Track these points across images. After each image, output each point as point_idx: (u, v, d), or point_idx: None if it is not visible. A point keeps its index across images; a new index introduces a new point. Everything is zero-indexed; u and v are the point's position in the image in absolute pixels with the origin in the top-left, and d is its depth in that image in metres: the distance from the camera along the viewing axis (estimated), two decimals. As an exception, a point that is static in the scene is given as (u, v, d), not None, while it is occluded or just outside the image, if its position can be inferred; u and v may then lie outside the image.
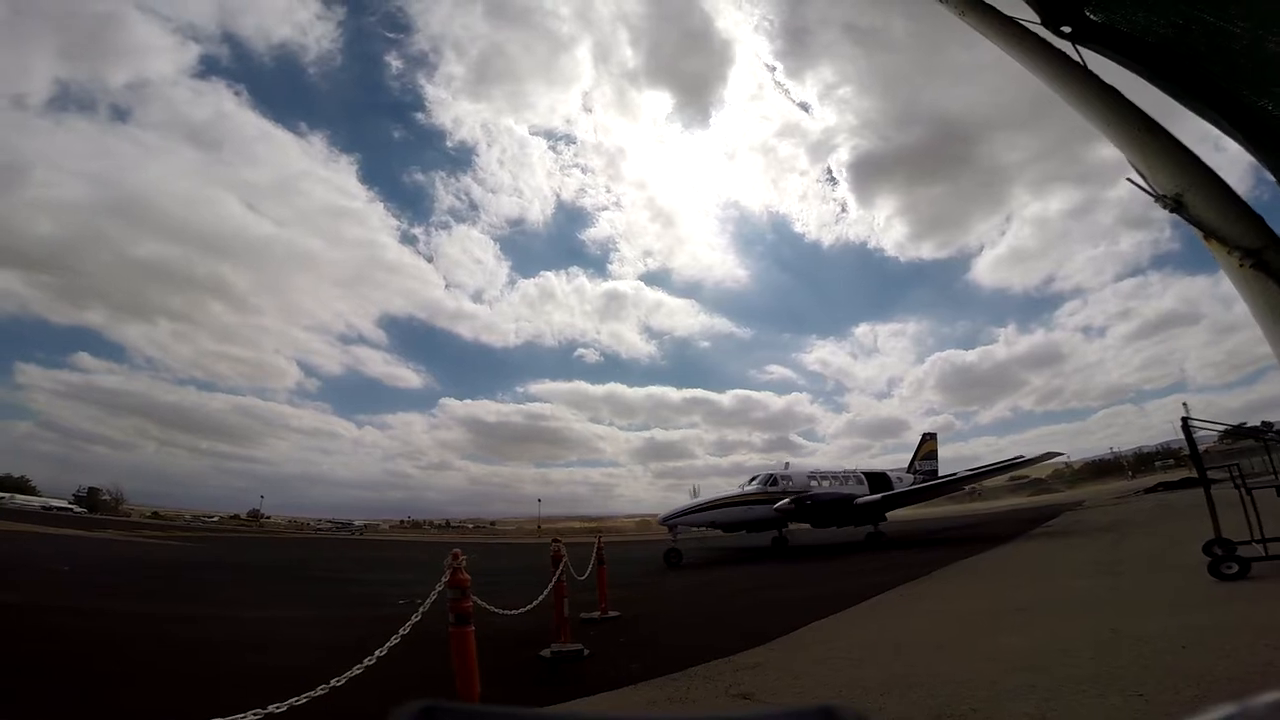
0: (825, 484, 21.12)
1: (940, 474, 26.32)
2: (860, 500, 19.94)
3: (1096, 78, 1.63)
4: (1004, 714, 3.19)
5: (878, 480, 22.69)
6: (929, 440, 28.42)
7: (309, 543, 38.58)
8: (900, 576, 9.78)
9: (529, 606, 5.07)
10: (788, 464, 23.70)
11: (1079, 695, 3.32)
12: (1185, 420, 7.34)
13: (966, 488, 30.10)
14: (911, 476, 25.19)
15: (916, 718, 3.26)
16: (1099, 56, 1.69)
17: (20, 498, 55.09)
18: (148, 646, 5.93)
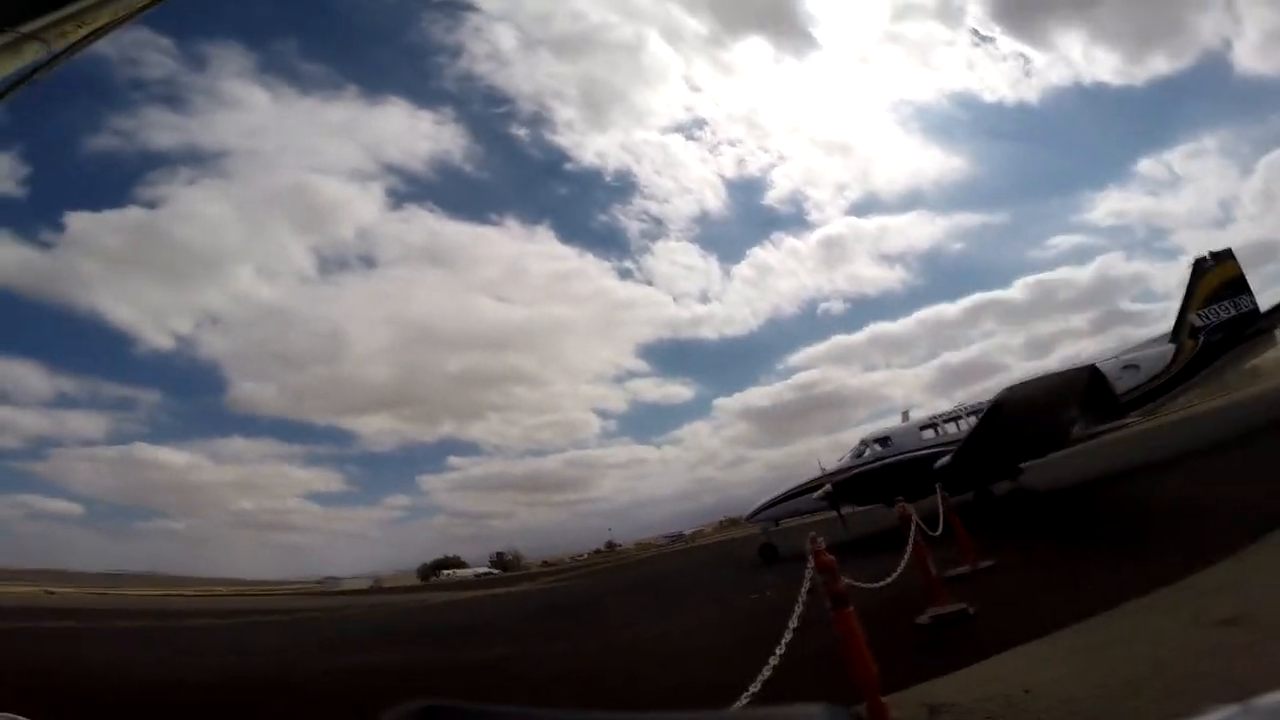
0: (952, 428, 15.39)
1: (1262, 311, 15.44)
2: (941, 464, 13.91)
3: None
4: None
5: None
6: (1214, 267, 15.98)
7: (656, 559, 43.45)
8: None
9: (892, 576, 4.72)
10: (906, 412, 18.34)
11: None
12: None
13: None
14: (1172, 347, 15.42)
15: None
16: None
17: (459, 572, 74.58)
18: (609, 676, 6.66)
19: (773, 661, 3.06)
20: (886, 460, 15.73)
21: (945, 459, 14.41)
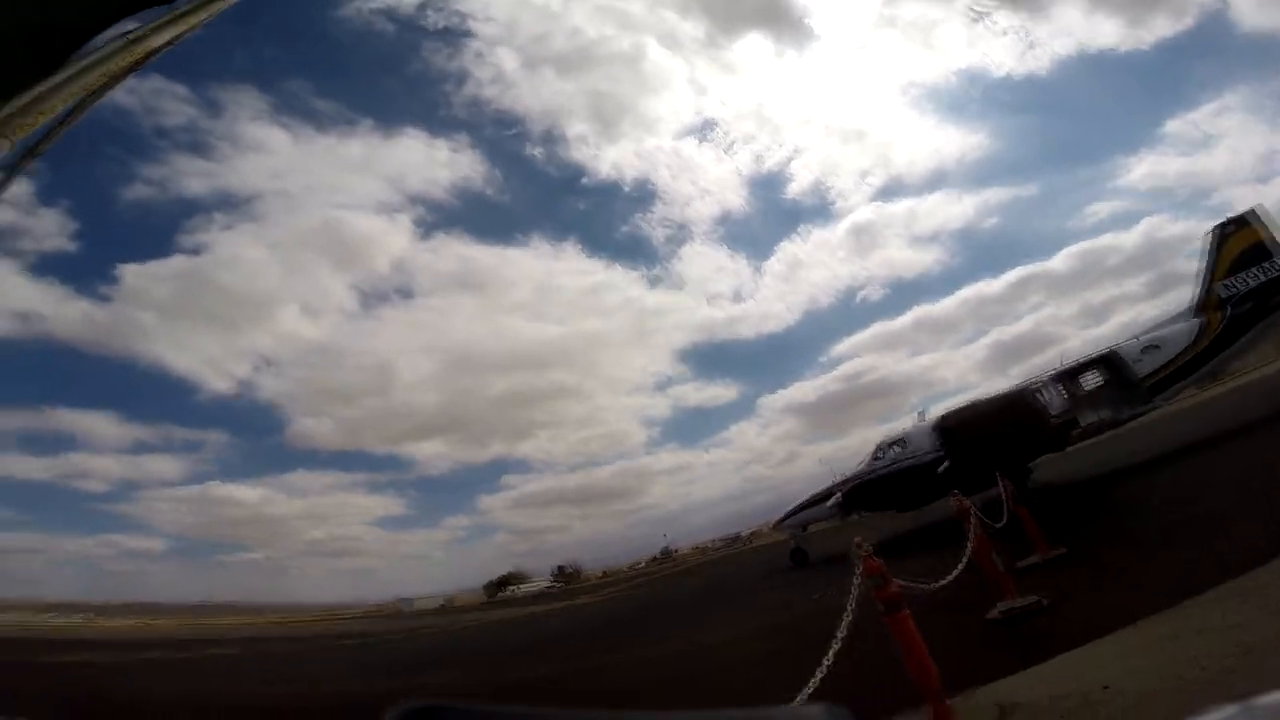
0: None
1: None
2: (943, 469, 13.33)
3: None
4: None
5: (1086, 378, 14.08)
6: (1236, 232, 14.77)
7: (716, 563, 43.11)
8: None
9: (953, 575, 4.53)
10: (922, 412, 17.50)
11: None
12: None
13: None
14: (1196, 323, 14.32)
15: None
16: None
17: (524, 587, 75.48)
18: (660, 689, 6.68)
19: (819, 674, 3.01)
20: (896, 465, 15.34)
21: (946, 464, 13.83)
